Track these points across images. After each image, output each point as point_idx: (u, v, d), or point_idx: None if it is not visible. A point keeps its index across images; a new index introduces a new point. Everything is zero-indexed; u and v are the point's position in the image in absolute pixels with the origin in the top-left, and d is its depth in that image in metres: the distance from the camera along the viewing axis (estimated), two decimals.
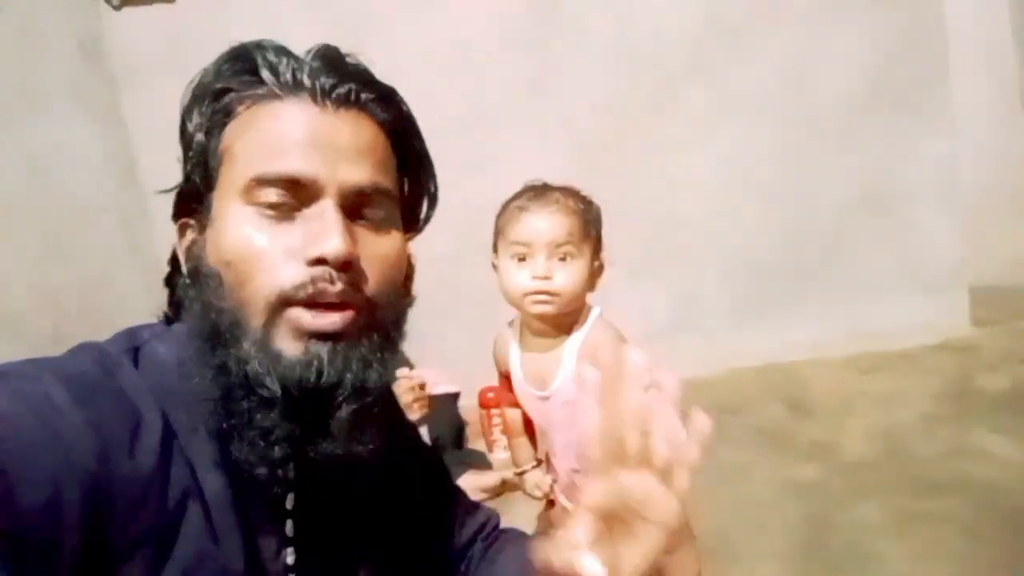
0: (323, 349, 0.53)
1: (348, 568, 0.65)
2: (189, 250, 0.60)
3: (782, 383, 2.44)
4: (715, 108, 2.52)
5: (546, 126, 2.49)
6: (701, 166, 2.56)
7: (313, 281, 0.53)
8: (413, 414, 1.93)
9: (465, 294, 2.27)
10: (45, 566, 0.44)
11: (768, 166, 2.56)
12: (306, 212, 0.55)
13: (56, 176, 2.01)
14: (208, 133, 0.58)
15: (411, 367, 2.15)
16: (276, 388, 0.52)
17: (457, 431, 2.29)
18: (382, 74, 0.64)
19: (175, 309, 0.64)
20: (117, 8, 2.42)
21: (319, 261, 0.53)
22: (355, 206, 0.57)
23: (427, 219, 0.69)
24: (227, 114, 0.58)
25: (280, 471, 0.55)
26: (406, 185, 0.65)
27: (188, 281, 0.59)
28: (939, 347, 2.52)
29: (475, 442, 2.36)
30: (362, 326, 0.55)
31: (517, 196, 1.29)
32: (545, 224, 1.23)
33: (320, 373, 0.53)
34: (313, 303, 0.53)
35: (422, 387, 1.99)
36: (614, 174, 2.47)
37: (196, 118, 0.59)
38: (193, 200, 0.60)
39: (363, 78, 0.60)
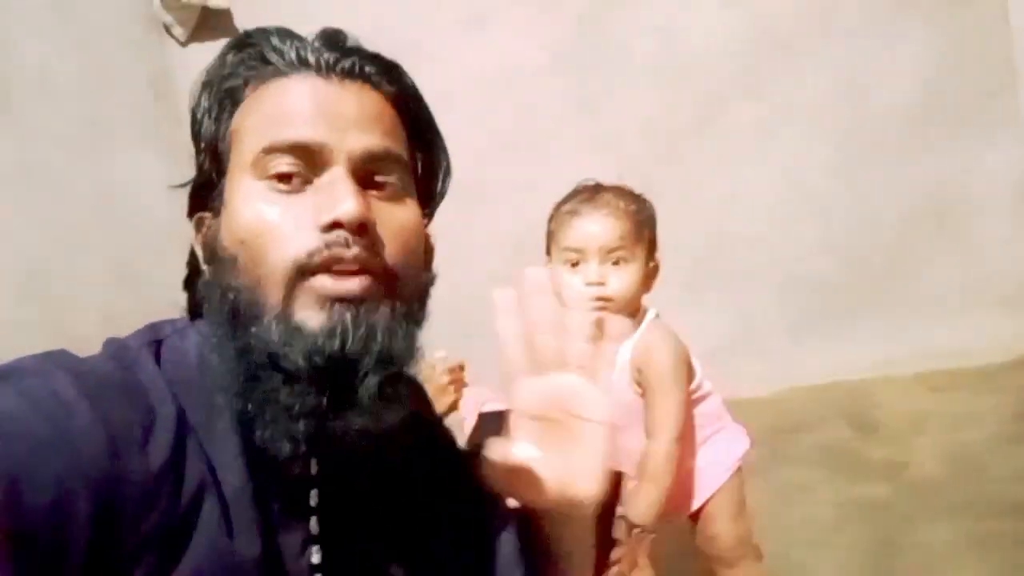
0: (346, 315, 0.52)
1: (377, 571, 0.62)
2: (205, 237, 0.60)
3: (846, 401, 2.35)
4: (767, 123, 2.48)
5: (595, 145, 2.48)
6: (755, 182, 2.51)
7: (328, 246, 0.52)
8: (447, 397, 1.91)
9: None
10: (53, 567, 0.43)
11: (825, 181, 2.49)
12: (317, 182, 0.55)
13: (125, 205, 2.11)
14: (217, 119, 0.59)
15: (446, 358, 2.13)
16: (300, 360, 0.51)
17: None
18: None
19: (193, 313, 0.63)
20: (184, 45, 2.54)
21: (334, 226, 0.52)
22: (367, 174, 0.56)
23: (442, 193, 0.68)
24: (235, 99, 0.58)
25: (303, 448, 0.53)
26: (419, 160, 0.64)
27: (206, 268, 0.59)
28: (1013, 364, 2.39)
29: None
30: (384, 293, 0.54)
31: (568, 199, 1.28)
32: (597, 228, 1.21)
33: (344, 341, 0.51)
34: (330, 269, 0.52)
35: (461, 368, 1.96)
36: (665, 191, 2.41)
37: (204, 105, 0.60)
38: (207, 191, 0.60)
39: (366, 53, 0.61)
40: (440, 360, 1.94)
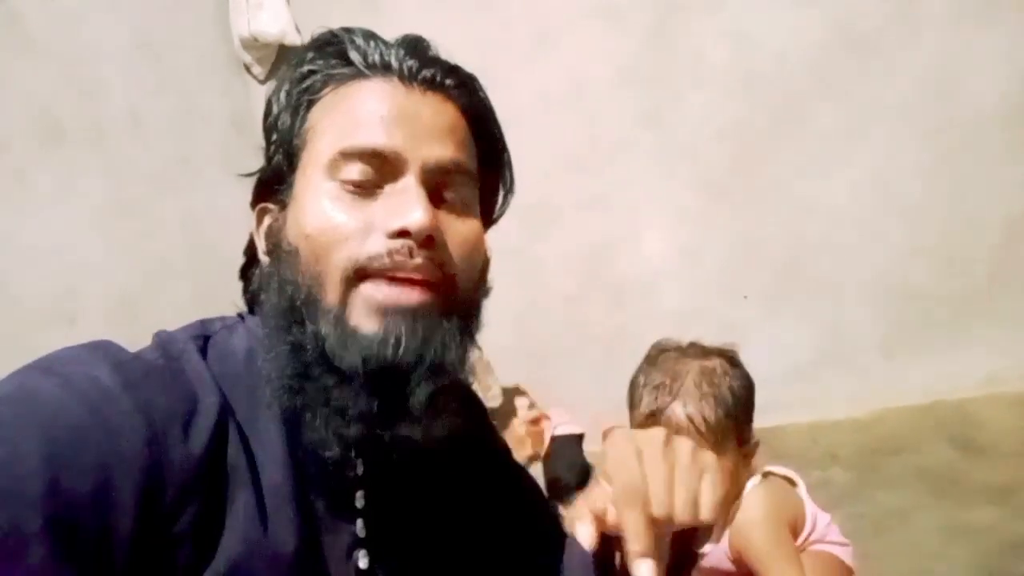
0: (401, 325, 0.51)
1: None
2: (269, 229, 0.60)
3: (948, 421, 2.18)
4: (850, 126, 2.36)
5: (667, 158, 2.42)
6: (838, 188, 2.39)
7: (390, 253, 0.52)
8: (524, 449, 1.89)
9: (590, 334, 2.17)
10: (99, 555, 0.43)
11: (916, 184, 2.34)
12: (388, 189, 0.55)
13: (208, 235, 2.20)
14: (294, 114, 0.59)
15: (532, 405, 2.12)
16: (356, 361, 0.50)
17: (581, 473, 2.23)
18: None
19: (249, 302, 0.64)
20: (263, 82, 2.64)
21: (401, 233, 0.52)
22: (437, 186, 0.57)
23: (502, 211, 0.68)
24: (314, 95, 0.59)
25: (352, 452, 0.53)
26: (484, 175, 0.64)
27: (267, 260, 0.60)
28: None
29: None
30: (442, 306, 0.54)
31: (644, 385, 1.13)
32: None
33: (398, 349, 0.51)
34: (390, 277, 0.52)
35: (536, 421, 1.93)
36: (742, 202, 2.36)
37: (283, 100, 0.60)
38: (274, 183, 0.61)
39: (446, 64, 0.61)
40: (522, 407, 1.92)
